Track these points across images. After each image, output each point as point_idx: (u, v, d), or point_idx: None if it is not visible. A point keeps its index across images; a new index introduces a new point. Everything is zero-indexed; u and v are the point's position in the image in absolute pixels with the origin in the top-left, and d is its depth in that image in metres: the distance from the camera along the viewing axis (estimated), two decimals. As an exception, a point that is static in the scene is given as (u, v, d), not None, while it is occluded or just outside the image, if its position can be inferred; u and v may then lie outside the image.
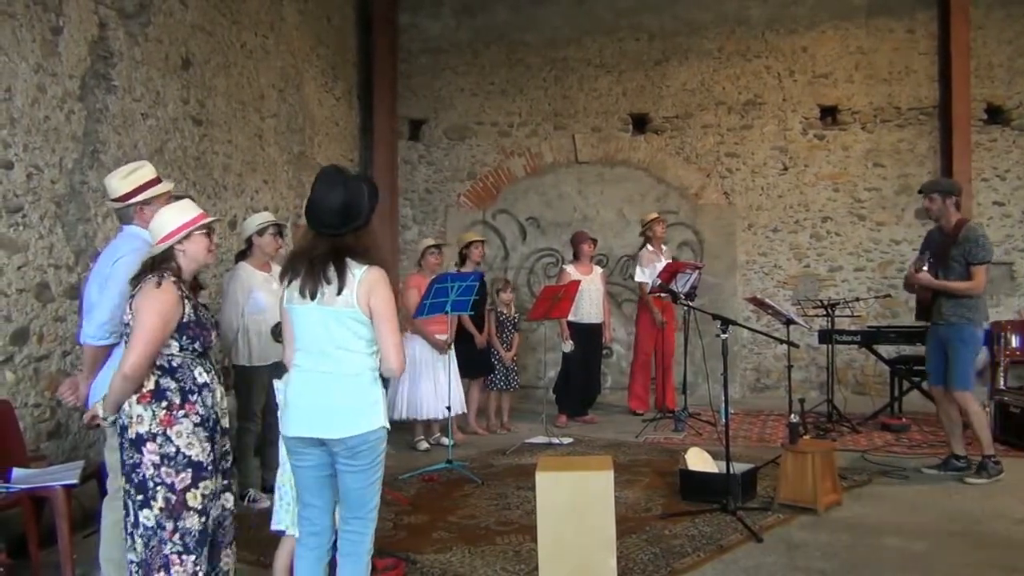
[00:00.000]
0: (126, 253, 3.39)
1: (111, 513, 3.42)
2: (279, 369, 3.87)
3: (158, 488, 2.98)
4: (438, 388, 6.48)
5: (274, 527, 3.45)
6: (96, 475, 4.02)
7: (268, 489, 4.78)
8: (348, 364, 2.88)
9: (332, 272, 2.84)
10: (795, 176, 9.20)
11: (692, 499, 4.95)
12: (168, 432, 3.00)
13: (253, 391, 5.07)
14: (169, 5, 5.98)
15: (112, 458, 3.36)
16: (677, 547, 4.20)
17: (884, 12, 9.02)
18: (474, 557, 4.13)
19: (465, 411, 6.97)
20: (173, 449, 3.00)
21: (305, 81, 8.26)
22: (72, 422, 4.90)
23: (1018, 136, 8.74)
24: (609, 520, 3.62)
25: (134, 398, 2.99)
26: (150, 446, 2.98)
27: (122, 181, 3.54)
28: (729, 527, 4.47)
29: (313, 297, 2.86)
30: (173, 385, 3.04)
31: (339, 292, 2.83)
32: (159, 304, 2.98)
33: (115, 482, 3.36)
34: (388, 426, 2.97)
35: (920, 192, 5.74)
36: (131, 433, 2.99)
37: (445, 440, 6.49)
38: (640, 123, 9.54)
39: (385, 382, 3.04)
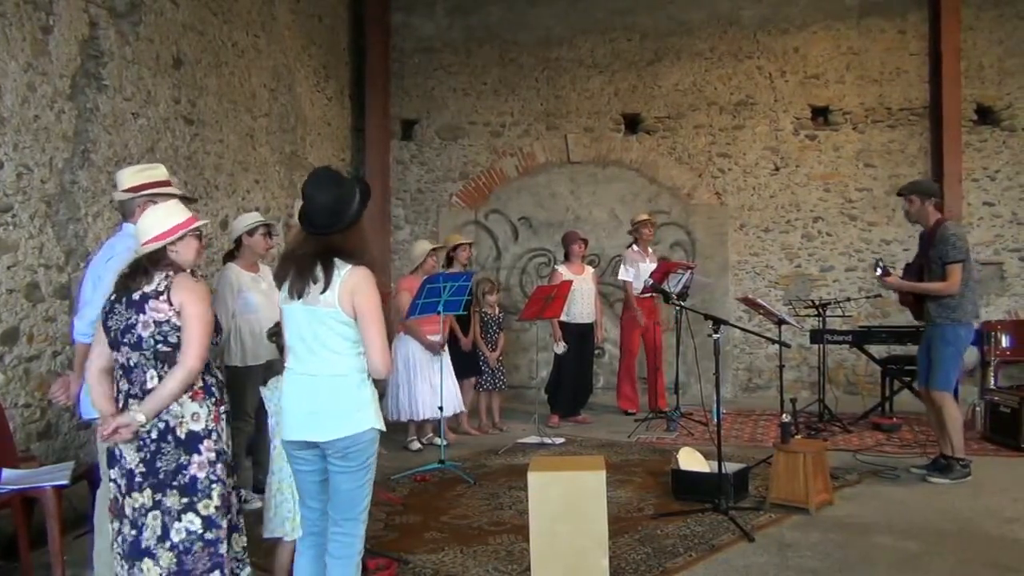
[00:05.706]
0: (119, 252, 3.38)
1: (106, 502, 3.38)
2: (271, 369, 3.83)
3: (214, 486, 2.91)
4: (435, 389, 6.47)
5: (268, 535, 3.44)
6: (87, 475, 4.00)
7: (260, 490, 4.77)
8: (334, 365, 2.86)
9: (319, 271, 2.81)
10: (786, 176, 9.23)
11: (684, 499, 4.96)
12: (217, 428, 2.96)
13: (246, 391, 5.05)
14: (160, 4, 5.96)
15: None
16: (669, 547, 4.21)
17: (875, 13, 9.05)
18: (466, 557, 4.13)
19: (464, 410, 6.97)
20: (222, 445, 2.97)
21: (297, 81, 8.24)
22: (62, 422, 4.88)
23: (1008, 136, 8.79)
24: (601, 520, 3.62)
25: (186, 396, 2.90)
26: (207, 443, 2.92)
27: (134, 175, 3.57)
28: (721, 527, 4.48)
29: (300, 296, 2.84)
30: (213, 381, 3.02)
31: (323, 292, 2.81)
32: (206, 295, 2.97)
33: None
34: (381, 427, 2.93)
35: (899, 194, 5.76)
36: (181, 433, 2.88)
37: (438, 440, 6.48)
38: (632, 123, 9.55)
39: (378, 382, 3.02)
